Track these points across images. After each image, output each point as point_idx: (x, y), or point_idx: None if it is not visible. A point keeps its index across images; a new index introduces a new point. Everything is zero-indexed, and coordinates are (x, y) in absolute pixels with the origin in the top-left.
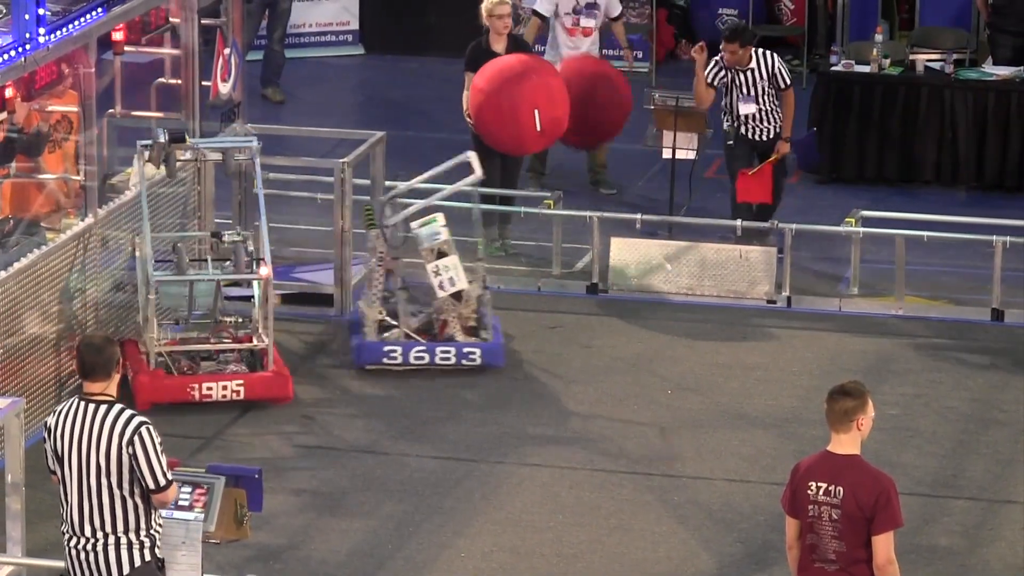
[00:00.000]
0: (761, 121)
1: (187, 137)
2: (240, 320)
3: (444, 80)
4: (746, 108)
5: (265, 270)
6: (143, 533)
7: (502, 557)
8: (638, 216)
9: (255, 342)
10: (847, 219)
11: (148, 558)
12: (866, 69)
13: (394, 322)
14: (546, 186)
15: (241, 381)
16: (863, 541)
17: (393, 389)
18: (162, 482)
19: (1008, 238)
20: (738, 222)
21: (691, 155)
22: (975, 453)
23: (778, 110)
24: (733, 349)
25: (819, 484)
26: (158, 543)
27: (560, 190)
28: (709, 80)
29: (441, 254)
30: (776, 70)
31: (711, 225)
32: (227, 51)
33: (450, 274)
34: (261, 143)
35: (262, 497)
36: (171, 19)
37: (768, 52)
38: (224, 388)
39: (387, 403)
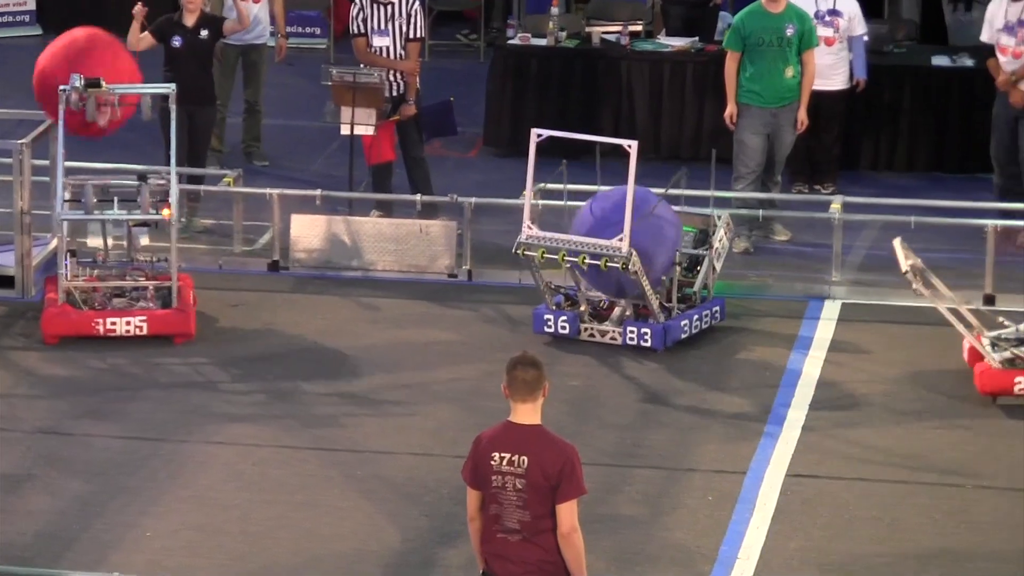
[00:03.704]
0: (393, 73)
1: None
2: (157, 260)
3: None
4: (380, 40)
5: (167, 211)
6: None
7: (188, 535)
8: (318, 192)
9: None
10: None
11: None
12: (543, 42)
13: None
14: (225, 164)
15: (144, 317)
16: (548, 511)
17: (77, 369)
18: None
19: (685, 208)
20: (417, 197)
21: (370, 131)
22: (656, 423)
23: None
24: (415, 323)
25: (502, 455)
26: None
27: (240, 167)
28: (354, 30)
29: None
30: (413, 11)
31: (390, 200)
32: None
33: None
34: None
35: None
36: None
37: None
38: (128, 324)
39: (71, 383)
